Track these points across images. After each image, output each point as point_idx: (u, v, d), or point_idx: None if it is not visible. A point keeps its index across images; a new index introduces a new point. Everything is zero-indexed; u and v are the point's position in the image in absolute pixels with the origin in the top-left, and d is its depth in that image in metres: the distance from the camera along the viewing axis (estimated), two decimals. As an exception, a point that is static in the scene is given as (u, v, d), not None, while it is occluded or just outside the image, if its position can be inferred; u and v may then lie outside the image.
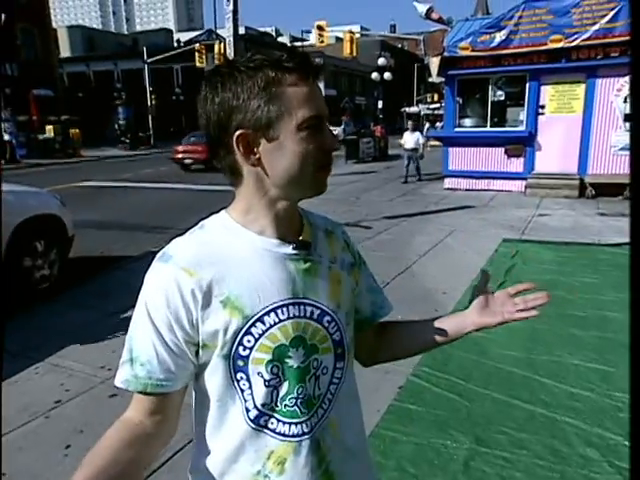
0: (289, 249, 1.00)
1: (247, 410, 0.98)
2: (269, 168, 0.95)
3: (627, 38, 10.01)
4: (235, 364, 0.96)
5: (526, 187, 11.64)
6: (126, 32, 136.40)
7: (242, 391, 0.97)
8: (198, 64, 27.51)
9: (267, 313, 0.96)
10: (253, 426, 0.99)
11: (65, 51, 59.03)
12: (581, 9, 10.20)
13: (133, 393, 0.97)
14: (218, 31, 36.26)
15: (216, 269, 0.95)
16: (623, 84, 10.52)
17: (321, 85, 1.13)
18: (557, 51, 10.49)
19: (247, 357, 0.96)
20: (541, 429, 3.03)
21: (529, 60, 10.83)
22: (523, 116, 11.56)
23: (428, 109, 39.18)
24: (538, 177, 11.58)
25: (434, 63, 11.32)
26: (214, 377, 0.98)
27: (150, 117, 34.95)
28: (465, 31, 11.65)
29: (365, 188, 13.24)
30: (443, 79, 12.85)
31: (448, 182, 12.76)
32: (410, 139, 14.40)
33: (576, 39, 10.24)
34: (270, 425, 1.00)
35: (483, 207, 10.31)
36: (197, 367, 0.98)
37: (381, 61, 23.62)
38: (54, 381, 3.62)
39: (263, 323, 0.96)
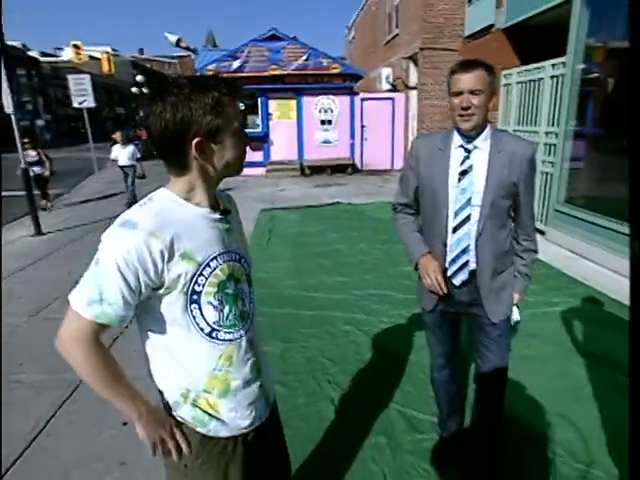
0: (217, 215, 1.08)
1: (202, 329, 1.05)
2: (215, 161, 1.02)
3: (317, 72, 11.38)
4: (191, 297, 1.02)
5: (266, 171, 12.39)
6: None
7: (194, 317, 1.04)
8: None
9: (212, 260, 1.04)
10: (208, 339, 1.07)
11: None
12: (288, 50, 11.13)
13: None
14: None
15: (174, 231, 0.98)
16: (317, 101, 11.97)
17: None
18: (276, 77, 11.21)
19: (200, 292, 1.03)
20: (319, 324, 3.50)
21: (258, 81, 11.27)
22: (259, 121, 12.12)
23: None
24: (273, 164, 12.42)
25: (188, 82, 10.98)
26: (174, 307, 1.02)
27: None
28: (209, 58, 11.52)
29: (145, 182, 12.13)
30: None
31: (211, 172, 12.67)
32: (123, 154, 8.37)
33: (287, 69, 11.17)
34: (219, 336, 1.08)
35: (240, 188, 10.43)
36: (152, 299, 1.01)
37: (139, 78, 21.52)
38: None
39: (210, 267, 1.04)
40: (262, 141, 12.22)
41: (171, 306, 1.02)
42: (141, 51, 38.17)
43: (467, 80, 1.52)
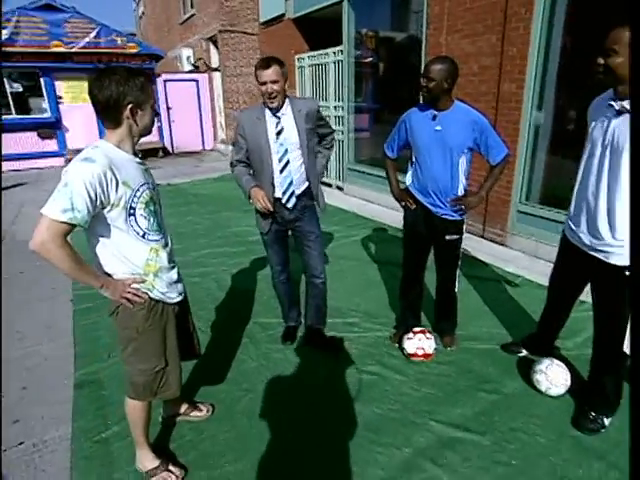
0: (138, 160, 1.61)
1: (137, 233, 1.57)
2: (138, 123, 1.56)
3: (112, 51, 10.66)
4: (129, 212, 1.52)
5: (65, 162, 11.22)
6: None
7: (131, 226, 1.55)
8: None
9: (140, 187, 1.56)
10: (143, 239, 1.60)
11: None
12: (72, 24, 10.06)
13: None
14: None
15: (117, 167, 1.47)
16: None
17: None
18: (61, 54, 10.06)
19: (135, 208, 1.54)
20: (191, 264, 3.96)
21: (38, 59, 9.93)
22: (46, 105, 10.78)
23: None
24: (73, 152, 11.33)
25: None
26: (119, 219, 1.51)
27: None
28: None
29: None
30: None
31: (-12, 167, 10.79)
32: None
33: (73, 47, 10.10)
34: (150, 237, 1.62)
35: (38, 182, 9.33)
36: (102, 212, 1.46)
37: None
38: None
39: (139, 191, 1.55)
40: (53, 128, 10.94)
41: (117, 218, 1.51)
42: None
43: (268, 74, 2.27)
